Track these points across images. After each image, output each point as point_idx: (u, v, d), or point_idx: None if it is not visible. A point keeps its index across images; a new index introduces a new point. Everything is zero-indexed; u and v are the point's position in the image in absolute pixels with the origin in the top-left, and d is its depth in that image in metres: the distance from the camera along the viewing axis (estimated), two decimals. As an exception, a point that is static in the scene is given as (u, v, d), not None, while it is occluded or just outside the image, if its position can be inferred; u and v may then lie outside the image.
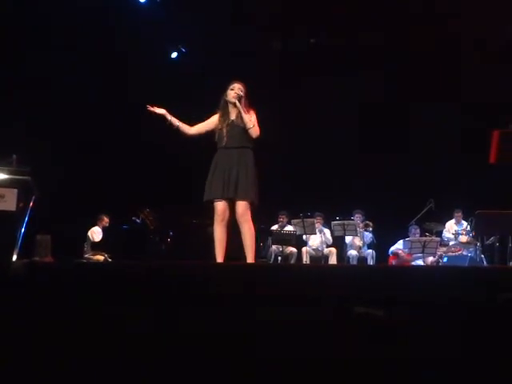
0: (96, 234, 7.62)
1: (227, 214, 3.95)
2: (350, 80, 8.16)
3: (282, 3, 7.59)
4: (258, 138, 4.00)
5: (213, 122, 4.10)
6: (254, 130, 3.96)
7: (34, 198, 4.88)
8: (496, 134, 3.81)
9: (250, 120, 3.96)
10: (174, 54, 9.00)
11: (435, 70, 8.09)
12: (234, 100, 3.98)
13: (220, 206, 3.93)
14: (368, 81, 8.11)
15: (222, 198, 3.91)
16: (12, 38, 6.93)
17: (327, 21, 7.96)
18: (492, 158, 3.85)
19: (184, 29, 8.34)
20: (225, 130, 3.98)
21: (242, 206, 3.90)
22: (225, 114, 4.04)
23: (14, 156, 4.94)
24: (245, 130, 3.96)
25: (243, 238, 3.94)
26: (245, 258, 3.97)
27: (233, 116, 4.03)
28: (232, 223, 4.02)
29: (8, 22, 6.84)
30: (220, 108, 4.08)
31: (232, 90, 4.03)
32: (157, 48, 8.53)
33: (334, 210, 8.27)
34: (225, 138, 3.97)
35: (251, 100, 4.11)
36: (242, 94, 3.99)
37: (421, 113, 8.43)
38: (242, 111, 3.95)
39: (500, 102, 7.17)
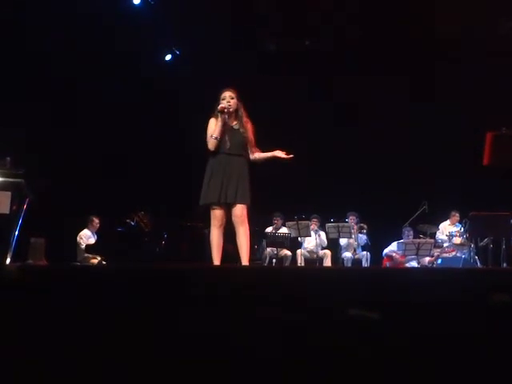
0: (84, 238, 7.55)
1: (225, 219, 3.99)
2: (344, 80, 8.18)
3: (278, 4, 7.62)
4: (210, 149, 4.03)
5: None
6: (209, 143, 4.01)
7: (27, 200, 4.86)
8: (489, 137, 3.83)
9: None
10: (168, 57, 9.02)
11: (433, 71, 8.14)
12: (219, 111, 3.99)
13: (218, 212, 3.96)
14: (364, 80, 8.12)
15: (218, 202, 3.93)
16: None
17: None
18: (485, 161, 3.87)
19: (178, 31, 8.36)
20: (226, 137, 4.00)
21: (240, 209, 3.95)
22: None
23: (8, 158, 4.92)
24: (244, 138, 4.03)
25: (239, 239, 3.97)
26: (239, 261, 3.99)
27: (233, 123, 4.07)
28: (227, 229, 4.05)
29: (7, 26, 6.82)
30: (215, 115, 4.07)
31: (223, 99, 4.05)
32: (151, 50, 8.56)
33: (328, 212, 8.29)
34: (228, 143, 3.99)
35: (245, 105, 4.14)
36: (232, 102, 4.02)
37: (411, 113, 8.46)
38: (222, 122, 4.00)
39: (495, 103, 7.21)
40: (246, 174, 4.03)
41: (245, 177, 4.01)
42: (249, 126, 4.11)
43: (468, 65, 7.70)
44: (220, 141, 4.01)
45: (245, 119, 4.10)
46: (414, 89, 8.19)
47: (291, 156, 4.12)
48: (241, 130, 4.06)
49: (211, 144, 4.00)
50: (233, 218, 3.98)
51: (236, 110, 4.07)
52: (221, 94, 4.08)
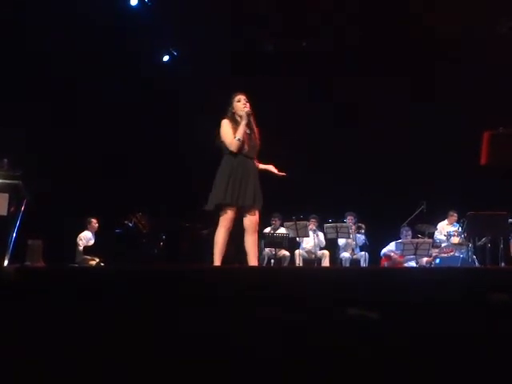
0: (84, 239, 7.54)
1: (234, 220, 3.99)
2: (343, 81, 8.17)
3: (277, 4, 7.62)
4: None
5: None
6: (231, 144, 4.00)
7: (25, 202, 4.85)
8: (486, 136, 3.82)
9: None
10: (166, 58, 9.02)
11: (432, 72, 8.14)
12: (247, 114, 4.02)
13: (231, 213, 3.95)
14: (364, 80, 8.11)
15: (236, 204, 3.93)
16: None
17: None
18: (483, 160, 3.86)
19: (178, 31, 8.36)
20: (245, 139, 4.02)
21: (256, 214, 3.99)
22: (239, 124, 4.05)
23: (5, 160, 4.91)
24: (255, 143, 4.07)
25: (251, 245, 3.98)
26: (241, 263, 4.00)
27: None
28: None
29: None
30: (230, 118, 4.08)
31: (239, 101, 4.08)
32: (151, 50, 8.56)
33: (326, 213, 8.28)
34: (245, 146, 4.01)
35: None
36: (248, 105, 4.06)
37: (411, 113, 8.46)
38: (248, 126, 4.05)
39: (495, 103, 7.21)
40: (258, 177, 4.06)
41: (258, 181, 4.04)
42: (257, 133, 4.14)
43: (468, 65, 7.70)
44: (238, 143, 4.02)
45: (255, 125, 4.13)
46: (414, 89, 8.18)
47: (283, 174, 4.17)
48: (252, 134, 4.09)
49: (235, 146, 3.97)
50: (246, 223, 3.99)
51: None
52: (234, 96, 4.11)
